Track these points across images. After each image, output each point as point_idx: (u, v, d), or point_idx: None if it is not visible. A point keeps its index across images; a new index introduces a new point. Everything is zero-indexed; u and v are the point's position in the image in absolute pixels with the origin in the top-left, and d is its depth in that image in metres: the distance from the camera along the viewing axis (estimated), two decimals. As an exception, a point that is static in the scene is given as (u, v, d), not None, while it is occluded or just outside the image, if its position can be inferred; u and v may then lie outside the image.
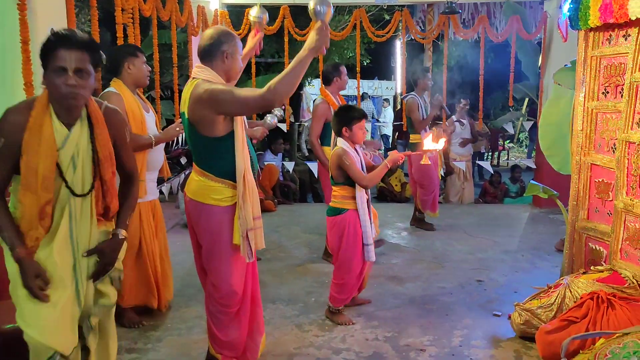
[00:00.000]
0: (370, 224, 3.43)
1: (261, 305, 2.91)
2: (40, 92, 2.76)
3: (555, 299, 3.15)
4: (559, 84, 4.38)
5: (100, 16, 3.80)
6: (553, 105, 4.34)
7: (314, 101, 4.66)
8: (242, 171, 2.52)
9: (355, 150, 3.41)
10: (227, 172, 2.53)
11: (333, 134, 3.59)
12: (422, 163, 3.33)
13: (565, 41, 4.29)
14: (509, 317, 3.39)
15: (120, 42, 4.07)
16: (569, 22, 3.62)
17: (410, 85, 5.93)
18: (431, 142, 3.31)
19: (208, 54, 2.54)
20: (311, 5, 2.43)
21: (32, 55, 2.65)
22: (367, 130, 4.30)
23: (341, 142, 3.38)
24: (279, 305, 3.78)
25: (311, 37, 2.35)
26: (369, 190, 3.48)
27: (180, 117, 2.75)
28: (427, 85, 5.72)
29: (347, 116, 3.39)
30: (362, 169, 3.38)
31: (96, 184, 2.11)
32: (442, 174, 7.12)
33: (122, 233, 2.24)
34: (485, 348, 3.19)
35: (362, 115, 3.41)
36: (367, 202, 3.44)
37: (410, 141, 5.83)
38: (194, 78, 2.53)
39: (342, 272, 3.47)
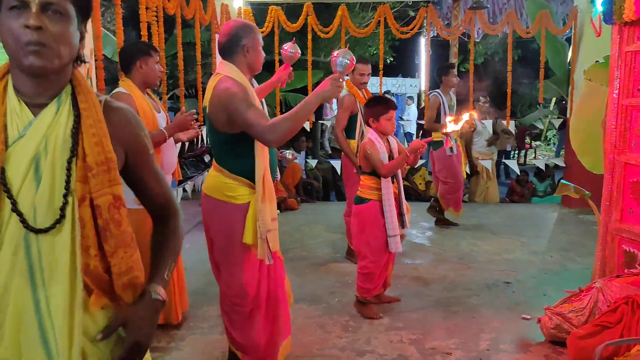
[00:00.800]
0: (401, 216, 3.48)
1: (287, 306, 2.83)
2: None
3: (588, 303, 3.05)
4: (590, 80, 4.25)
5: (126, 15, 3.81)
6: (585, 102, 4.21)
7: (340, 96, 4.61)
8: (262, 173, 2.50)
9: (388, 140, 3.47)
10: (243, 170, 2.51)
11: (358, 127, 3.59)
12: (445, 148, 3.37)
13: (598, 36, 4.16)
14: (539, 321, 3.30)
15: (145, 40, 4.07)
16: (602, 17, 3.50)
17: (436, 83, 5.84)
18: (451, 124, 3.42)
19: (228, 51, 2.51)
20: (335, 55, 2.42)
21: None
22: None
23: (369, 133, 3.46)
24: (302, 305, 3.74)
25: (324, 86, 2.32)
26: (400, 182, 3.53)
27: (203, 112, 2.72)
28: (453, 82, 5.63)
29: (375, 108, 3.45)
30: (388, 159, 3.41)
31: (81, 212, 1.20)
32: (467, 172, 7.00)
33: (160, 292, 1.35)
34: (514, 352, 3.11)
35: (389, 107, 3.44)
36: (398, 194, 3.49)
37: (433, 139, 5.74)
38: (217, 73, 2.51)
39: (365, 261, 3.49)
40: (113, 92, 3.20)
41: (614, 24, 3.37)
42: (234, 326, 2.68)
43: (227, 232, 2.55)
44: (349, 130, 4.45)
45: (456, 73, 5.69)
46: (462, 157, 5.82)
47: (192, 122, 3.18)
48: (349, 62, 2.40)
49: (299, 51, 3.39)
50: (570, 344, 2.88)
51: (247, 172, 2.50)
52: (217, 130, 2.49)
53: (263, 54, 2.61)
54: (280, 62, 4.35)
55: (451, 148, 5.38)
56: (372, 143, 3.40)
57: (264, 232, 2.48)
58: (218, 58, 6.35)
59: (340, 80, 2.34)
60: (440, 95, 5.57)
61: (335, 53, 2.44)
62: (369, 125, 3.48)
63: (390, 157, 3.44)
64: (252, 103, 2.36)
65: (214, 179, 2.58)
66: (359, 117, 4.40)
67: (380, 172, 3.39)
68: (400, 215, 3.49)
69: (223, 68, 2.51)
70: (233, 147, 2.50)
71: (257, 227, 2.49)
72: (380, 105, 3.45)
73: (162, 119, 3.32)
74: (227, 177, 2.53)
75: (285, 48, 3.37)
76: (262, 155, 2.50)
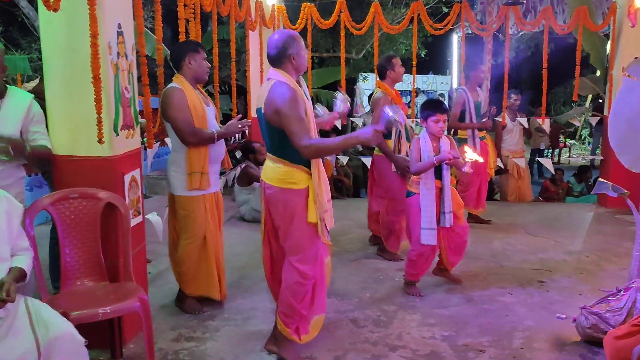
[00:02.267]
0: (441, 214, 3.73)
1: (324, 285, 3.05)
2: (107, 85, 2.85)
3: (625, 303, 3.00)
4: (628, 76, 4.15)
5: (162, 12, 3.87)
6: (624, 99, 4.12)
7: (369, 96, 4.65)
8: (317, 162, 2.84)
9: (439, 141, 3.77)
10: (300, 159, 2.81)
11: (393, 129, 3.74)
12: (465, 171, 3.61)
13: (633, 26, 4.08)
14: (574, 321, 3.25)
15: (182, 37, 4.15)
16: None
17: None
18: (472, 152, 3.71)
19: (278, 61, 2.86)
20: (389, 114, 2.76)
21: (100, 50, 2.73)
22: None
23: (421, 132, 3.82)
24: (334, 300, 3.77)
25: (368, 132, 2.69)
26: (446, 181, 3.74)
27: (255, 113, 3.00)
28: (481, 78, 5.56)
29: (425, 109, 3.77)
30: (426, 158, 3.68)
31: None
32: (495, 170, 6.90)
33: None
34: (548, 351, 3.08)
35: (437, 110, 3.71)
36: (441, 192, 3.74)
37: (459, 136, 5.71)
38: (269, 79, 2.86)
39: (412, 249, 3.85)
40: (167, 86, 3.41)
41: (657, 19, 3.30)
42: (297, 298, 2.91)
43: (293, 215, 2.85)
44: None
45: (484, 69, 5.60)
46: (488, 155, 5.72)
47: (239, 126, 3.45)
48: (393, 121, 2.74)
49: (348, 107, 3.54)
50: (607, 344, 2.83)
51: (303, 160, 2.82)
52: (275, 128, 2.79)
53: (306, 56, 2.95)
54: (312, 58, 4.42)
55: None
56: (416, 141, 3.75)
57: (321, 213, 2.83)
58: (252, 55, 6.37)
59: (383, 131, 2.71)
60: (465, 92, 5.51)
61: (387, 109, 2.78)
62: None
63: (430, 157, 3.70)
64: (299, 113, 2.72)
65: (275, 170, 2.87)
66: None
67: (411, 169, 3.77)
68: (441, 212, 3.74)
69: (274, 74, 2.85)
70: (289, 141, 2.76)
71: (316, 208, 2.82)
72: (429, 107, 3.76)
73: (211, 112, 3.52)
74: (287, 166, 2.83)
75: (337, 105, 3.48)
76: None
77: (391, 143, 4.45)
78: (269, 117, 2.79)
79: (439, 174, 3.73)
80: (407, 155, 4.40)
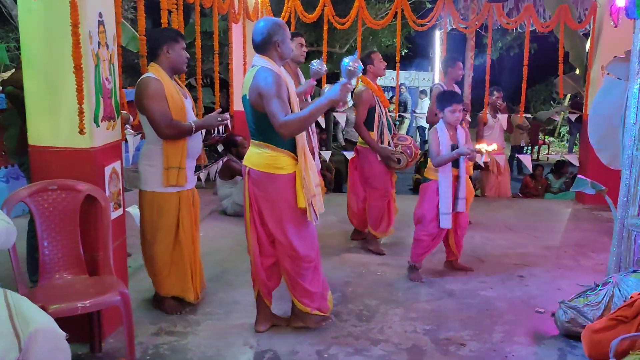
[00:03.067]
0: (456, 199, 3.96)
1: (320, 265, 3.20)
2: (88, 75, 2.80)
3: (603, 298, 3.05)
4: (608, 74, 4.22)
5: (144, 2, 3.81)
6: (603, 97, 4.18)
7: (352, 91, 4.65)
8: (303, 146, 2.89)
9: (456, 131, 3.98)
10: (285, 143, 2.88)
11: (376, 119, 4.33)
12: (484, 161, 3.68)
13: (616, 27, 4.14)
14: (553, 315, 3.30)
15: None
16: (625, 11, 3.47)
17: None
18: (486, 145, 4.07)
19: (263, 47, 2.92)
20: (346, 63, 2.78)
21: (81, 39, 2.68)
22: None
23: (438, 123, 4.02)
24: (316, 294, 3.77)
25: (334, 90, 2.75)
26: (462, 169, 3.95)
27: (241, 101, 3.03)
28: (458, 74, 5.58)
29: (441, 101, 3.99)
30: (452, 149, 3.90)
31: None
32: (480, 166, 6.96)
33: None
34: (527, 345, 3.11)
35: (454, 101, 3.94)
36: (458, 179, 3.96)
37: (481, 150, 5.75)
38: (254, 65, 2.91)
39: (418, 229, 4.07)
40: (143, 76, 3.26)
41: (637, 18, 3.34)
42: (306, 280, 3.07)
43: (281, 201, 2.92)
44: (368, 123, 4.55)
45: (462, 66, 5.62)
46: None
47: (219, 119, 3.34)
48: (355, 69, 2.76)
49: (326, 69, 3.60)
50: (585, 338, 2.88)
51: (289, 145, 2.90)
52: (260, 112, 2.85)
53: (290, 44, 2.99)
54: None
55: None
56: (434, 133, 3.97)
57: (309, 197, 2.88)
58: (235, 48, 6.31)
59: (348, 85, 2.76)
60: (443, 87, 5.53)
61: (346, 60, 2.80)
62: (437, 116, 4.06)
63: (454, 147, 3.90)
64: (279, 95, 2.77)
65: (261, 155, 2.93)
66: (377, 110, 4.56)
67: (432, 160, 3.95)
68: (456, 198, 3.96)
69: (259, 61, 2.91)
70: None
71: (303, 193, 2.88)
72: (446, 98, 3.98)
73: (188, 104, 3.39)
74: (273, 151, 2.89)
75: (314, 64, 3.74)
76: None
77: (374, 134, 4.52)
78: (254, 102, 2.84)
79: (456, 163, 3.94)
80: (390, 145, 4.56)
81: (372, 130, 4.54)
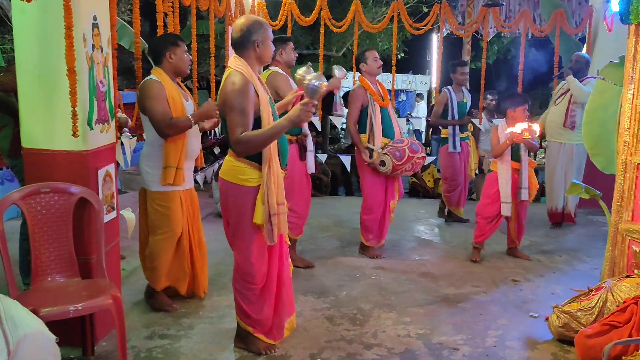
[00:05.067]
0: (520, 189, 4.40)
1: (291, 287, 2.99)
2: (82, 78, 2.79)
3: (597, 303, 3.05)
4: (603, 79, 4.22)
5: (140, 5, 3.81)
6: (597, 101, 4.19)
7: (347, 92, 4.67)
8: (268, 158, 2.69)
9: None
10: (252, 155, 2.70)
11: (368, 120, 4.34)
12: (525, 138, 4.23)
13: (610, 31, 4.16)
14: (546, 319, 3.31)
15: (160, 31, 4.09)
16: (619, 17, 3.48)
17: (446, 80, 5.84)
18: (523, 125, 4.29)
19: (240, 45, 2.72)
20: (307, 80, 2.60)
21: (75, 42, 2.67)
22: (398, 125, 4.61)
23: (501, 120, 4.55)
24: (310, 298, 3.77)
25: (295, 111, 2.60)
26: (523, 161, 4.41)
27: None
28: (459, 79, 5.60)
29: (511, 100, 4.46)
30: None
31: None
32: (476, 172, 6.97)
33: None
34: (520, 350, 3.11)
35: (525, 102, 4.45)
36: (519, 171, 4.41)
37: (441, 136, 5.77)
38: (229, 67, 2.72)
39: (479, 216, 4.58)
40: (145, 79, 3.33)
41: (631, 23, 3.36)
42: (248, 302, 2.88)
43: (240, 213, 2.75)
44: (360, 124, 4.49)
45: (467, 71, 5.65)
46: (470, 156, 5.80)
47: (217, 111, 3.25)
48: (318, 87, 2.59)
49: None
50: (578, 343, 2.89)
51: (256, 157, 2.70)
52: (224, 120, 2.70)
53: (272, 47, 2.81)
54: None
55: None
56: (495, 130, 4.49)
57: (267, 214, 2.68)
58: (231, 51, 6.31)
59: (311, 106, 2.58)
60: (449, 91, 5.57)
61: (308, 77, 2.61)
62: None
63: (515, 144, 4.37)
64: (242, 107, 2.59)
65: (228, 164, 2.79)
66: (369, 111, 4.45)
67: (491, 152, 4.50)
68: (519, 187, 4.39)
69: (234, 62, 2.72)
70: None
71: (263, 209, 2.68)
72: (517, 98, 4.47)
73: (189, 107, 3.46)
74: (239, 161, 2.73)
75: (299, 72, 3.40)
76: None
77: (365, 137, 4.46)
78: (221, 108, 2.71)
79: (516, 157, 4.40)
80: (382, 149, 4.41)
81: (364, 133, 4.46)
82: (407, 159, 4.36)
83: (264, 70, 3.84)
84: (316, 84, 2.59)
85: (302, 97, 2.79)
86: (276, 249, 2.86)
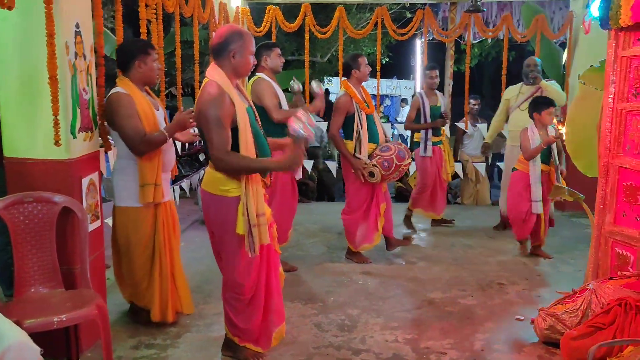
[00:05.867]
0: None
1: (281, 296, 2.93)
2: (64, 86, 2.77)
3: (581, 305, 3.08)
4: (584, 84, 4.28)
5: (122, 12, 3.78)
6: (579, 106, 4.25)
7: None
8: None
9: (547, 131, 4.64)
10: None
11: (355, 127, 4.33)
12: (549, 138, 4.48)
13: (587, 33, 4.25)
14: (532, 322, 3.33)
15: (143, 38, 4.06)
16: (598, 22, 3.54)
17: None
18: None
19: (217, 53, 2.67)
20: (297, 129, 2.58)
21: (57, 49, 2.65)
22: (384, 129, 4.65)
23: (530, 124, 4.72)
24: (298, 304, 3.76)
25: (286, 158, 2.63)
26: (556, 162, 4.66)
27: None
28: (429, 83, 5.62)
29: (539, 104, 4.67)
30: (535, 144, 4.57)
31: None
32: (460, 177, 7.01)
33: None
34: (507, 353, 3.14)
35: (551, 104, 4.64)
36: (548, 172, 4.70)
37: (414, 140, 5.75)
38: (206, 77, 2.68)
39: (511, 213, 4.90)
40: (111, 91, 3.17)
41: (610, 29, 3.41)
42: (235, 312, 2.83)
43: (224, 224, 2.71)
44: (346, 131, 4.48)
45: (435, 74, 5.66)
46: (443, 160, 5.73)
47: (191, 121, 3.16)
48: (310, 135, 2.59)
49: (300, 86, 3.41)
50: (563, 345, 2.91)
51: None
52: (203, 132, 2.65)
53: (251, 60, 2.72)
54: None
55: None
56: (525, 132, 4.67)
57: (248, 226, 2.62)
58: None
59: (300, 153, 2.60)
60: (421, 96, 5.57)
61: (296, 127, 2.57)
62: (532, 117, 4.69)
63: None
64: (221, 121, 2.55)
65: (209, 175, 2.74)
66: (356, 118, 4.41)
67: (524, 154, 4.67)
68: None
69: (210, 71, 2.66)
70: None
71: (243, 220, 2.64)
72: (544, 102, 4.66)
73: (160, 116, 3.32)
74: (219, 172, 2.67)
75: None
76: (244, 152, 2.63)
77: (352, 144, 4.43)
78: (197, 119, 2.67)
79: (546, 159, 4.66)
80: (369, 157, 4.40)
81: (351, 139, 4.43)
82: (395, 168, 4.36)
83: (250, 76, 3.81)
84: (310, 134, 2.59)
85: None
86: (264, 258, 2.80)
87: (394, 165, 4.35)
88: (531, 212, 4.68)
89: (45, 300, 2.71)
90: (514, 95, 5.64)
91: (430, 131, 5.54)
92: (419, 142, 5.60)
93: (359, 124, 4.40)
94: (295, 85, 4.35)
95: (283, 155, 2.69)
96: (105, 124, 3.25)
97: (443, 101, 5.79)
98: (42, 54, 2.67)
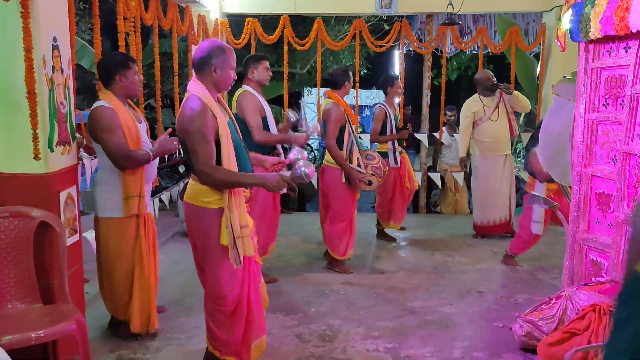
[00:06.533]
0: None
1: (262, 308, 2.93)
2: (42, 100, 2.76)
3: (557, 311, 3.14)
4: (558, 95, 4.38)
5: (100, 24, 3.79)
6: (553, 116, 4.34)
7: (324, 107, 4.66)
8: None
9: None
10: None
11: (346, 137, 4.36)
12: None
13: (563, 51, 4.34)
14: (511, 329, 3.38)
15: (122, 50, 4.06)
16: (569, 34, 3.63)
17: (410, 95, 5.94)
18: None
19: (198, 67, 2.69)
20: (301, 168, 2.75)
21: (34, 64, 2.64)
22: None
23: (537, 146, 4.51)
24: (279, 315, 3.76)
25: (272, 179, 2.68)
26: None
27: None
28: (398, 93, 5.69)
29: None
30: None
31: None
32: (440, 187, 7.08)
33: None
34: (486, 359, 3.18)
35: None
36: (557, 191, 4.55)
37: (378, 150, 5.65)
38: (188, 91, 2.69)
39: (520, 229, 4.79)
40: (95, 105, 3.18)
41: (581, 41, 3.51)
42: (218, 324, 2.82)
43: (206, 236, 2.71)
44: (337, 142, 4.53)
45: (400, 84, 5.73)
46: (406, 169, 5.75)
47: (175, 144, 3.23)
48: (306, 177, 2.74)
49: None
50: (540, 351, 2.96)
51: None
52: (186, 145, 2.67)
53: (232, 75, 2.75)
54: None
55: None
56: (535, 155, 4.47)
57: (231, 237, 2.64)
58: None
59: (289, 183, 2.71)
60: (385, 106, 5.60)
61: (299, 162, 2.76)
62: None
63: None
64: (205, 135, 2.57)
65: (191, 187, 2.75)
66: (347, 129, 4.51)
67: (539, 177, 4.46)
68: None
69: (192, 85, 2.68)
70: None
71: (227, 232, 2.64)
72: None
73: (143, 129, 3.34)
74: (202, 184, 2.68)
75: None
76: (228, 167, 2.66)
77: (344, 153, 4.49)
78: (179, 133, 2.67)
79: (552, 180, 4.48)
80: (359, 166, 4.51)
81: (342, 150, 4.50)
82: (383, 174, 4.61)
83: (236, 87, 3.82)
84: (309, 175, 2.74)
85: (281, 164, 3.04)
86: (246, 270, 2.81)
87: (383, 172, 4.59)
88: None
89: (23, 315, 2.67)
90: (480, 107, 5.71)
91: (396, 142, 5.61)
92: (386, 153, 5.59)
93: (351, 133, 4.53)
94: (293, 116, 4.38)
95: (270, 174, 2.74)
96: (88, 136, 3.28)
97: (397, 110, 5.85)
98: (19, 69, 2.66)
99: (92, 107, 3.19)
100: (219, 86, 2.73)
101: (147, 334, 3.37)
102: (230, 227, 2.63)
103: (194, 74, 2.75)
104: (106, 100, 3.16)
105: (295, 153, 3.03)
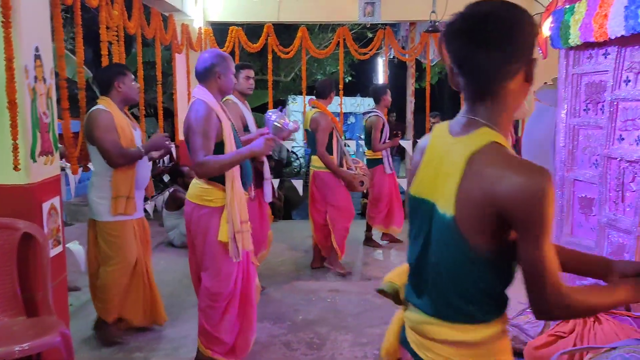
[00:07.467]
0: None
1: (254, 306, 3.03)
2: (24, 111, 2.73)
3: (542, 314, 3.17)
4: (539, 101, 4.44)
5: (83, 33, 3.76)
6: (535, 122, 4.40)
7: (312, 116, 4.72)
8: (231, 179, 2.84)
9: None
10: (217, 177, 2.84)
11: (335, 143, 4.51)
12: None
13: (545, 58, 4.41)
14: (497, 333, 3.40)
15: (105, 59, 4.04)
16: (549, 41, 3.69)
17: (394, 102, 5.97)
18: None
19: (203, 76, 2.91)
20: (273, 118, 3.04)
21: (16, 74, 2.62)
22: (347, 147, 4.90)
23: None
24: (266, 324, 3.74)
25: (259, 142, 2.86)
26: None
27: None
28: (388, 101, 5.74)
29: None
30: None
31: None
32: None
33: None
34: (474, 364, 3.18)
35: None
36: None
37: (366, 157, 5.79)
38: (193, 96, 2.91)
39: None
40: (93, 108, 3.32)
41: (561, 48, 3.57)
42: (209, 322, 2.91)
43: (206, 233, 2.85)
44: (327, 149, 4.68)
45: (389, 93, 5.78)
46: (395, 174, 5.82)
47: (167, 142, 3.46)
48: (280, 126, 2.93)
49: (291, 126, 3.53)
50: (527, 354, 2.99)
51: (220, 179, 2.84)
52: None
53: (233, 79, 3.00)
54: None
55: None
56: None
57: (232, 232, 2.80)
58: (179, 78, 6.30)
59: (273, 142, 2.89)
60: (381, 115, 5.59)
61: (270, 114, 2.96)
62: None
63: None
64: (206, 132, 2.75)
65: (195, 187, 2.92)
66: (334, 135, 4.71)
67: None
68: None
69: (198, 92, 2.89)
70: None
71: (227, 227, 2.80)
72: None
73: (137, 136, 3.48)
74: (204, 183, 2.87)
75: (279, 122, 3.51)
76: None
77: (335, 159, 4.66)
78: (185, 134, 2.86)
79: None
80: (349, 169, 4.73)
81: (332, 155, 4.68)
82: (369, 176, 4.89)
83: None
84: (282, 122, 2.88)
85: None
86: (242, 267, 2.93)
87: (368, 174, 4.87)
88: None
89: (6, 328, 2.63)
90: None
91: (389, 149, 5.70)
92: (380, 160, 5.62)
93: (339, 140, 4.74)
94: (292, 124, 4.35)
95: (255, 142, 2.89)
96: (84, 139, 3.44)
97: (389, 120, 5.97)
98: (0, 78, 2.63)
99: (90, 110, 3.35)
100: (223, 90, 2.95)
101: (150, 327, 3.59)
102: (231, 221, 2.78)
103: (180, 80, 2.87)
104: (103, 105, 3.33)
105: (274, 118, 3.28)
